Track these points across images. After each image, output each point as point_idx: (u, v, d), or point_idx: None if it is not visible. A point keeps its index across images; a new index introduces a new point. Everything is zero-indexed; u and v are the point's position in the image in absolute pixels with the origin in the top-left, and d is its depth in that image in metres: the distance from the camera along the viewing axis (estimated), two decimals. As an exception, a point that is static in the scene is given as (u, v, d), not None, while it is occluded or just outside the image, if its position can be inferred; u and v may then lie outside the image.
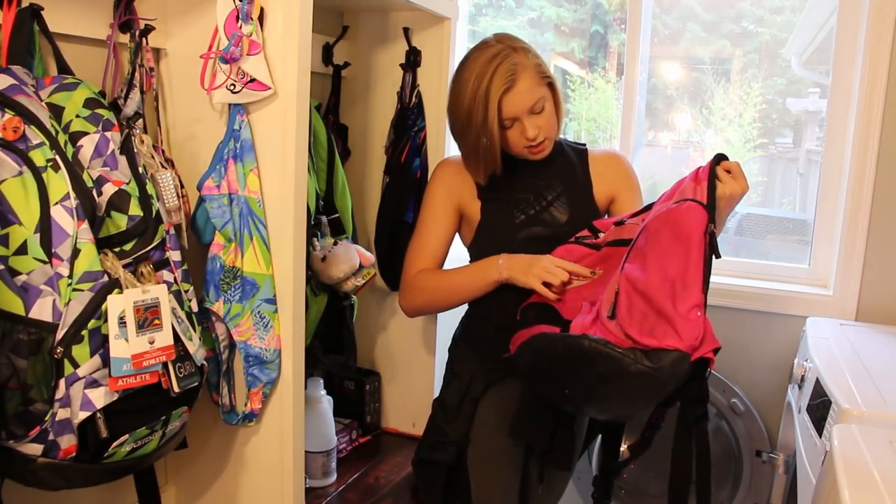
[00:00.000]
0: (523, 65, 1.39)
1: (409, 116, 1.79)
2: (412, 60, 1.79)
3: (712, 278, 1.17)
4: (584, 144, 1.61)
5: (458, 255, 1.61)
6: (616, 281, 1.22)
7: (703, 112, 2.35)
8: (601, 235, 1.42)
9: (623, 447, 2.17)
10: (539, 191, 1.51)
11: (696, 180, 1.25)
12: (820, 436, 1.30)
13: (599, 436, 2.12)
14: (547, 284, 1.36)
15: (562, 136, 1.60)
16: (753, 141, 2.31)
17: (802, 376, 1.57)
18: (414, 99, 1.79)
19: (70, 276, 0.93)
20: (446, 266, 1.58)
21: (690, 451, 1.20)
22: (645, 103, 2.31)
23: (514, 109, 1.39)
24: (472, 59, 1.41)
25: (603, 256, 1.38)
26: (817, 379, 1.43)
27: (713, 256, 1.15)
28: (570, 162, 1.55)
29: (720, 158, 1.26)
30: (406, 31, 1.79)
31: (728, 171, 1.24)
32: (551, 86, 1.45)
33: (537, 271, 1.37)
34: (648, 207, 1.36)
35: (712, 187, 1.21)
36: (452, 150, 1.82)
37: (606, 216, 1.56)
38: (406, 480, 1.70)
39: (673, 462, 1.21)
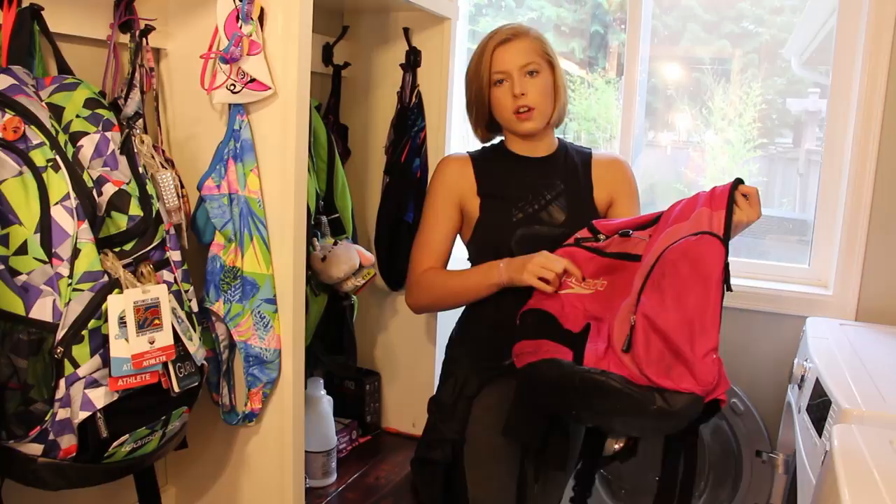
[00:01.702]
0: (526, 32, 1.49)
1: (409, 116, 1.79)
2: (412, 60, 1.79)
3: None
4: (590, 149, 1.62)
5: (461, 254, 1.61)
6: (628, 310, 1.21)
7: (703, 112, 2.35)
8: (601, 237, 1.42)
9: (617, 445, 2.18)
10: (538, 189, 1.51)
11: (711, 205, 1.23)
12: (820, 436, 1.30)
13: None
14: (544, 280, 1.37)
15: (564, 136, 1.60)
16: (753, 141, 2.30)
17: (802, 376, 1.57)
18: (414, 99, 1.79)
19: (70, 276, 0.93)
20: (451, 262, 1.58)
21: (678, 469, 1.26)
22: (645, 103, 2.31)
23: (505, 63, 1.46)
24: None
25: (607, 266, 1.37)
26: (817, 379, 1.43)
27: (726, 290, 1.17)
28: (573, 164, 1.56)
29: (738, 183, 1.25)
30: (406, 31, 1.78)
31: (745, 196, 1.23)
32: (552, 66, 1.50)
33: (531, 267, 1.37)
34: (656, 220, 1.34)
35: (729, 216, 1.20)
36: (453, 150, 1.82)
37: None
38: (406, 480, 1.70)
39: (662, 477, 1.27)
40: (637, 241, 1.35)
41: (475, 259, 1.55)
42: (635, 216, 1.45)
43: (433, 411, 1.55)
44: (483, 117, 1.55)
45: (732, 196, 1.22)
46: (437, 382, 1.85)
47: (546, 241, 1.46)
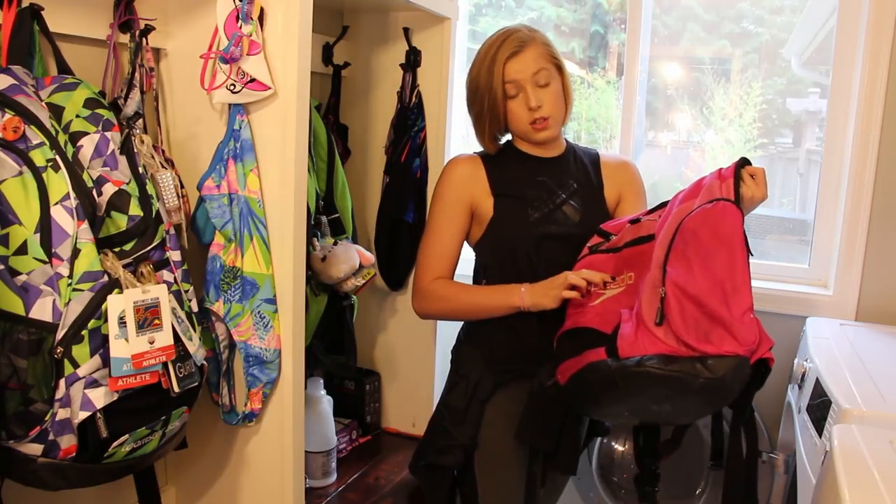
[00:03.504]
0: (533, 38, 1.46)
1: (409, 116, 1.79)
2: (412, 60, 1.79)
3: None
4: (596, 150, 1.62)
5: (466, 255, 1.59)
6: (654, 285, 1.20)
7: (704, 112, 2.35)
8: (612, 238, 1.41)
9: (623, 448, 2.18)
10: (552, 189, 1.50)
11: (720, 178, 1.25)
12: (820, 436, 1.30)
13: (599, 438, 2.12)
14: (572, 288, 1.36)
15: (564, 136, 1.60)
16: (753, 141, 2.30)
17: (802, 376, 1.57)
18: (414, 99, 1.79)
19: (70, 276, 0.93)
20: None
21: (741, 452, 1.23)
22: (645, 103, 2.31)
23: (518, 73, 1.43)
24: (490, 36, 1.49)
25: (626, 258, 1.36)
26: (817, 379, 1.43)
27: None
28: (583, 164, 1.56)
29: (745, 162, 1.26)
30: (406, 31, 1.79)
31: (752, 176, 1.24)
32: (560, 69, 1.49)
33: (560, 281, 1.36)
34: (663, 205, 1.34)
35: (738, 187, 1.22)
36: (453, 150, 1.82)
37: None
38: (406, 480, 1.70)
39: (728, 462, 1.25)
40: (648, 223, 1.35)
41: (486, 260, 1.53)
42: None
43: (443, 415, 1.51)
44: (497, 130, 1.50)
45: (738, 173, 1.24)
46: (437, 382, 1.86)
47: (562, 240, 1.45)
